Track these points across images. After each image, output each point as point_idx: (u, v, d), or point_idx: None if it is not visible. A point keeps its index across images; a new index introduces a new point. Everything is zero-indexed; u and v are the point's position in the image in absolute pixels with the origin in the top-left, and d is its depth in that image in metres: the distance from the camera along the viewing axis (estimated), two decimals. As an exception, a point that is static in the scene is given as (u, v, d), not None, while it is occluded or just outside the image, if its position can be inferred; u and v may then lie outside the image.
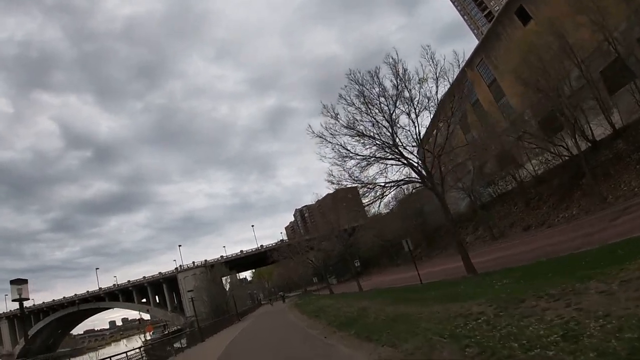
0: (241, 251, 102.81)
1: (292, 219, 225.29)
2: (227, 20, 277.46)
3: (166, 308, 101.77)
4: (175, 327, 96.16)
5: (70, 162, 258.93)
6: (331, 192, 52.54)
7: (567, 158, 35.88)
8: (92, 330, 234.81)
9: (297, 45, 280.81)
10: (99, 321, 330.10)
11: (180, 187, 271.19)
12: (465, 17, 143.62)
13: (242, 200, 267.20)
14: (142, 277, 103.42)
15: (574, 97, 33.55)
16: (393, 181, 24.39)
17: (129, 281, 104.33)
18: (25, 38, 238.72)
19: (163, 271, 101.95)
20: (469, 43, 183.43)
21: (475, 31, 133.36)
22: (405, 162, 23.39)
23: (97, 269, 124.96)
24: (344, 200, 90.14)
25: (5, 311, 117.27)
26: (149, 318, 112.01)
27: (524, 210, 41.38)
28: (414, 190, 50.11)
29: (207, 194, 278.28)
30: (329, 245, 60.74)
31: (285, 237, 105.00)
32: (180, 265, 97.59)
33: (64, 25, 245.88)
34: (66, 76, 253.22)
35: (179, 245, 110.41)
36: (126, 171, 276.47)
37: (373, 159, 23.68)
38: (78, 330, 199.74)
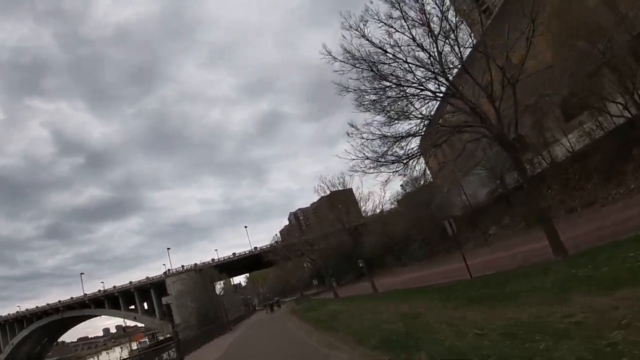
0: (234, 254, 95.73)
1: (286, 222, 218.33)
2: (219, 25, 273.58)
3: (154, 315, 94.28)
4: (164, 336, 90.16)
5: (62, 169, 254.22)
6: (326, 194, 48.41)
7: (612, 127, 30.17)
8: (86, 338, 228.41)
9: (290, 49, 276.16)
10: (92, 329, 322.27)
11: (173, 192, 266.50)
12: None
13: (234, 205, 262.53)
14: (128, 282, 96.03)
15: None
16: (449, 127, 18.74)
17: (114, 287, 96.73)
18: (17, 44, 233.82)
19: (152, 276, 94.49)
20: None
21: None
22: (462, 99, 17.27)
23: (81, 274, 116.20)
24: (339, 202, 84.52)
25: None
26: (142, 325, 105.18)
27: (562, 192, 34.66)
28: (423, 183, 44.58)
29: (200, 199, 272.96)
30: (335, 240, 56.20)
31: (279, 239, 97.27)
32: (168, 270, 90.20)
33: (55, 31, 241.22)
34: (58, 82, 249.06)
35: (168, 249, 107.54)
36: (118, 177, 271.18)
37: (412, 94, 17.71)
38: (71, 337, 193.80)
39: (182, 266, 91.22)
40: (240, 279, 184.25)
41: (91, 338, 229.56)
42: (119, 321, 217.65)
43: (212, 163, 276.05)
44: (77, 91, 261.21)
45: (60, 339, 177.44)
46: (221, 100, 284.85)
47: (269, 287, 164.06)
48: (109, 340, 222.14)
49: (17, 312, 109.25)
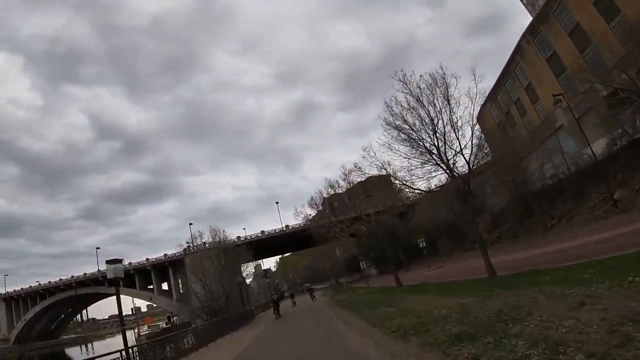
0: (262, 232, 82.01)
1: (320, 208, 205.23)
2: (252, 14, 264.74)
3: (171, 297, 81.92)
4: (182, 320, 78.19)
5: (99, 153, 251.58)
6: (362, 179, 43.63)
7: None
8: (117, 316, 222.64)
9: (322, 39, 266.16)
10: (125, 306, 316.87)
11: (207, 178, 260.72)
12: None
13: (268, 192, 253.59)
14: (144, 259, 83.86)
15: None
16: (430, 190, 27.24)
17: (130, 263, 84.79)
18: (55, 33, 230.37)
19: (171, 253, 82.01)
20: (502, 34, 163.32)
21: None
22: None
23: (97, 248, 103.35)
24: (376, 187, 73.12)
25: (2, 293, 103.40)
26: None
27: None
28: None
29: (234, 186, 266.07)
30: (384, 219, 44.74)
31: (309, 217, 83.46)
32: (189, 246, 77.05)
33: (91, 20, 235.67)
34: (95, 70, 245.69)
35: (190, 224, 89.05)
36: (154, 162, 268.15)
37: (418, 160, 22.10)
38: (103, 315, 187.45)
39: (204, 243, 78.75)
40: (270, 264, 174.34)
41: (124, 315, 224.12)
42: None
43: (246, 150, 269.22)
44: (114, 79, 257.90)
45: (91, 316, 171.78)
46: (255, 89, 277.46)
47: (299, 274, 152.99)
48: (139, 318, 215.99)
49: (30, 287, 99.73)
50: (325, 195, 63.40)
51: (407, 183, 24.36)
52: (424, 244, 46.89)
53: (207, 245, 78.19)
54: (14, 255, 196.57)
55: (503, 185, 43.13)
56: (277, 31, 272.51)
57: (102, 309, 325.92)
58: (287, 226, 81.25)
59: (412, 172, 22.47)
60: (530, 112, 51.59)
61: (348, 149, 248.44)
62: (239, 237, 78.43)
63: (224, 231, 63.15)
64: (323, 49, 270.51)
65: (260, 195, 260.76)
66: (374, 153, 25.11)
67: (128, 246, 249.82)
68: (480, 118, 32.40)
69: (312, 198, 34.90)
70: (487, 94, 27.46)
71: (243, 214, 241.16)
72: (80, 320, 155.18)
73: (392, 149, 22.32)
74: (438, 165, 21.80)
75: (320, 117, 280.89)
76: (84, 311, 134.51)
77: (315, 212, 47.11)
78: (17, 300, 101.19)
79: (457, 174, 22.00)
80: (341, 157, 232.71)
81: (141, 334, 70.34)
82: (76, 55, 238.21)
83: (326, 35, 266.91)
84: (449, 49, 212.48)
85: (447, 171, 21.79)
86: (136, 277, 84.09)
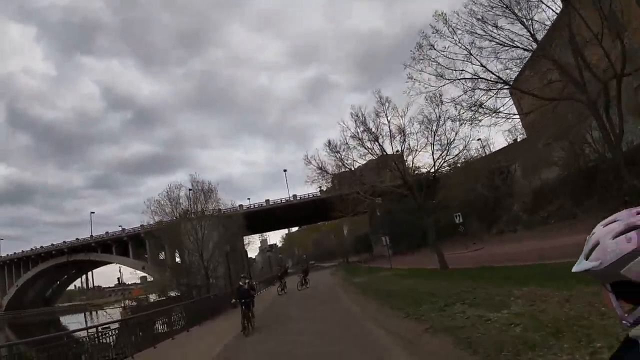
0: (267, 201, 73.61)
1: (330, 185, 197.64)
2: None
3: (165, 267, 73.96)
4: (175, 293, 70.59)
5: (111, 124, 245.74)
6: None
7: None
8: (124, 284, 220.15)
9: (340, 18, 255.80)
10: (132, 275, 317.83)
11: (218, 152, 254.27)
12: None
13: (278, 169, 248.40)
14: (139, 225, 75.93)
15: None
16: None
17: (123, 229, 77.07)
18: (69, 3, 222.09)
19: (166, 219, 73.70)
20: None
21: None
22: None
23: (92, 213, 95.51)
24: (388, 166, 65.32)
25: None
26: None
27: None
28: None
29: (244, 161, 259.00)
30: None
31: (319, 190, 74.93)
32: (186, 212, 68.89)
33: None
34: (109, 42, 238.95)
35: (190, 190, 79.80)
36: (165, 134, 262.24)
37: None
38: (109, 283, 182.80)
39: (203, 210, 70.86)
40: (277, 239, 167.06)
41: (129, 284, 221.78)
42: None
43: (258, 126, 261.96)
44: (127, 51, 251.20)
45: (98, 283, 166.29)
46: (269, 65, 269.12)
47: (305, 250, 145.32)
48: (147, 286, 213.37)
49: (23, 251, 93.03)
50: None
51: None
52: (461, 219, 38.24)
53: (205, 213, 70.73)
54: (24, 223, 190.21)
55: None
56: (295, 8, 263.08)
57: (108, 276, 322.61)
58: (294, 196, 72.84)
59: None
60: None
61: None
62: (241, 206, 70.26)
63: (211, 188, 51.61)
64: (340, 28, 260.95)
65: (270, 171, 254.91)
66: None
67: (137, 216, 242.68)
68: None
69: (329, 142, 26.05)
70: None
71: (252, 189, 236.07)
72: (85, 287, 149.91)
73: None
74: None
75: (333, 96, 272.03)
76: (90, 278, 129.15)
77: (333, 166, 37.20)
78: (9, 266, 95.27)
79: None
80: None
81: (126, 307, 62.73)
82: (90, 26, 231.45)
83: (344, 15, 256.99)
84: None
85: None
86: (130, 245, 76.64)
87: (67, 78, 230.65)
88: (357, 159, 26.36)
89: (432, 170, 26.37)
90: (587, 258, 1.16)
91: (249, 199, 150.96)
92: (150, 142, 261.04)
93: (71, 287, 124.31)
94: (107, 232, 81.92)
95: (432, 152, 25.12)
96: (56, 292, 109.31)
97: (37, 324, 75.72)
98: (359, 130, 25.76)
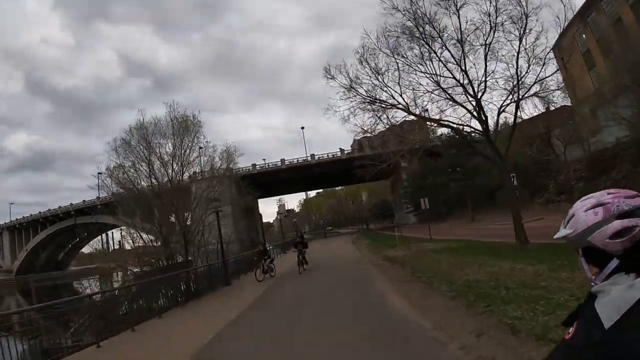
0: (282, 160, 66.57)
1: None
2: None
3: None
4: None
5: (129, 90, 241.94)
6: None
7: None
8: (141, 247, 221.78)
9: None
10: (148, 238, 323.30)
11: (236, 117, 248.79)
12: None
13: (297, 134, 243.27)
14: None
15: None
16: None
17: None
18: None
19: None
20: None
21: None
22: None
23: (99, 173, 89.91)
24: (408, 133, 58.34)
25: (7, 221, 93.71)
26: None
27: None
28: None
29: (262, 126, 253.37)
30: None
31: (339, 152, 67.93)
32: (195, 172, 62.76)
33: None
34: (125, 8, 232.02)
35: (200, 148, 72.65)
36: (183, 100, 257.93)
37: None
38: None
39: (213, 168, 64.56)
40: (294, 205, 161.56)
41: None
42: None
43: (276, 92, 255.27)
44: (144, 17, 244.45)
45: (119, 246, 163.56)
46: (287, 30, 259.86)
47: (322, 216, 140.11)
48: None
49: (31, 215, 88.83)
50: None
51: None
52: (515, 181, 30.79)
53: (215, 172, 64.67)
54: (46, 189, 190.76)
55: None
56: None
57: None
58: (312, 155, 65.79)
59: None
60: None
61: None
62: (254, 165, 63.71)
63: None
64: None
65: (289, 137, 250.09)
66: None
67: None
68: None
69: (363, 46, 18.84)
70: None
71: (270, 154, 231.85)
72: (107, 249, 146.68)
73: None
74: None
75: (355, 62, 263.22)
76: (110, 240, 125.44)
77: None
78: (19, 230, 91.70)
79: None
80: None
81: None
82: None
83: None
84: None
85: None
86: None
87: (85, 46, 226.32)
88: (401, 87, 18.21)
89: (515, 106, 18.01)
90: (565, 227, 1.34)
91: (264, 159, 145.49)
92: (168, 107, 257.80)
93: (89, 249, 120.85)
94: (113, 192, 76.22)
95: (518, 75, 16.88)
96: (69, 254, 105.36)
97: (46, 289, 71.84)
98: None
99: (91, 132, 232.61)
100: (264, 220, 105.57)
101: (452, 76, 17.53)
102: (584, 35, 40.12)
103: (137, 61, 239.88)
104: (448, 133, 46.29)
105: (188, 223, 29.42)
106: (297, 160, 65.83)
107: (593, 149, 37.30)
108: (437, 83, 17.64)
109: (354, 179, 65.31)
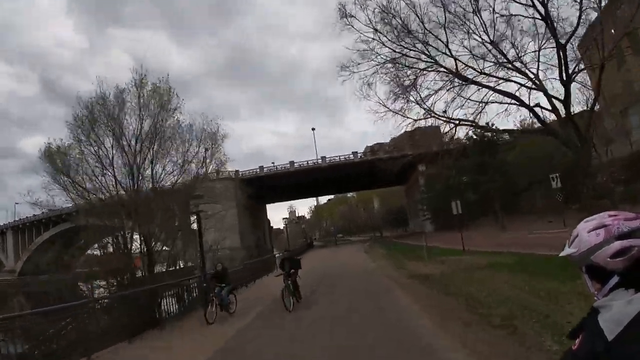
0: (291, 162, 62.09)
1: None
2: None
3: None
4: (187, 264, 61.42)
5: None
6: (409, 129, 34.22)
7: None
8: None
9: None
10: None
11: (248, 123, 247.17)
12: None
13: (309, 141, 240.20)
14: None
15: None
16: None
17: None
18: None
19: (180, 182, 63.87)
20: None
21: None
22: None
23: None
24: (422, 139, 55.00)
25: (11, 221, 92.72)
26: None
27: None
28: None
29: (275, 132, 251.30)
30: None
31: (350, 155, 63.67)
32: (197, 173, 58.84)
33: None
34: (139, 11, 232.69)
35: (206, 149, 67.86)
36: (196, 104, 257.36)
37: None
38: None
39: (217, 171, 60.42)
40: (305, 212, 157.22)
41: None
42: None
43: (289, 97, 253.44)
44: (158, 21, 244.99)
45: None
46: (300, 35, 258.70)
47: (334, 223, 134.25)
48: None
49: (35, 215, 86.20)
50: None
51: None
52: (559, 183, 26.01)
53: (218, 175, 60.77)
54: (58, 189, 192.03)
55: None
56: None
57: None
58: (323, 158, 61.35)
59: None
60: None
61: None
62: (261, 167, 59.73)
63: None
64: None
65: (301, 143, 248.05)
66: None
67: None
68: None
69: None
70: None
71: (282, 160, 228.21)
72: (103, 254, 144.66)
73: None
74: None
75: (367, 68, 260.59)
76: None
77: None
78: (23, 230, 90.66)
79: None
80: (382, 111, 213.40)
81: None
82: None
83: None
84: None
85: None
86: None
87: (99, 50, 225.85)
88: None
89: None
90: (569, 246, 1.42)
91: (273, 162, 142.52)
92: (180, 111, 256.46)
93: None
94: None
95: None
96: (73, 257, 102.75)
97: (46, 292, 68.88)
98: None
99: (106, 135, 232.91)
100: (275, 227, 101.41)
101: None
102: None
103: (150, 65, 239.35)
104: (476, 130, 42.66)
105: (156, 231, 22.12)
106: (307, 163, 61.43)
107: (635, 148, 33.02)
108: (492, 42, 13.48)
109: (366, 183, 61.06)
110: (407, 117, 21.56)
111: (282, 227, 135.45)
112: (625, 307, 1.21)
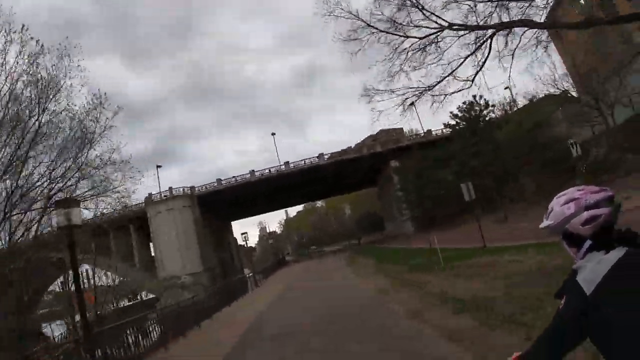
0: (252, 171, 55.63)
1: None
2: None
3: (133, 262, 56.32)
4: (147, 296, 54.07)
5: (100, 123, 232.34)
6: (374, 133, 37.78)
7: None
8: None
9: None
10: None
11: (211, 143, 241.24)
12: None
13: (272, 155, 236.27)
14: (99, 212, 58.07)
15: None
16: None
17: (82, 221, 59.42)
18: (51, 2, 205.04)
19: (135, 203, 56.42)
20: None
21: None
22: None
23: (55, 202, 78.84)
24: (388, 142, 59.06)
25: None
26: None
27: None
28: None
29: (237, 150, 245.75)
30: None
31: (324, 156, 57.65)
32: (150, 194, 51.64)
33: None
34: (93, 40, 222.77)
35: (158, 166, 59.18)
36: (156, 129, 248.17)
37: None
38: None
39: (170, 188, 53.14)
40: (275, 227, 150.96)
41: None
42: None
43: (250, 114, 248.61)
44: (112, 48, 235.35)
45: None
46: (259, 52, 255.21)
47: (303, 234, 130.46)
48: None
49: None
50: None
51: None
52: (577, 149, 20.49)
53: (173, 193, 53.84)
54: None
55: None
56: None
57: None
58: (287, 162, 55.14)
59: None
60: None
61: (354, 112, 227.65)
62: (219, 180, 53.23)
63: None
64: (332, 9, 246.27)
65: (264, 159, 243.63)
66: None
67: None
68: None
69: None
70: None
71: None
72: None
73: None
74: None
75: (325, 81, 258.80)
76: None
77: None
78: None
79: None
80: (347, 119, 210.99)
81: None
82: (74, 27, 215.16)
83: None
84: None
85: None
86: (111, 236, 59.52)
87: (57, 81, 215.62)
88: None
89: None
90: (547, 219, 1.65)
91: (233, 176, 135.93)
92: (141, 139, 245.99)
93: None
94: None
95: None
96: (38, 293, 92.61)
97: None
98: None
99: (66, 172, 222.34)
100: (250, 244, 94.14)
101: None
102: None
103: (107, 92, 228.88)
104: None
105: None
106: (270, 171, 55.09)
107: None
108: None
109: (336, 187, 55.32)
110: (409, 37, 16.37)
111: (254, 245, 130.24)
112: (596, 266, 1.44)
